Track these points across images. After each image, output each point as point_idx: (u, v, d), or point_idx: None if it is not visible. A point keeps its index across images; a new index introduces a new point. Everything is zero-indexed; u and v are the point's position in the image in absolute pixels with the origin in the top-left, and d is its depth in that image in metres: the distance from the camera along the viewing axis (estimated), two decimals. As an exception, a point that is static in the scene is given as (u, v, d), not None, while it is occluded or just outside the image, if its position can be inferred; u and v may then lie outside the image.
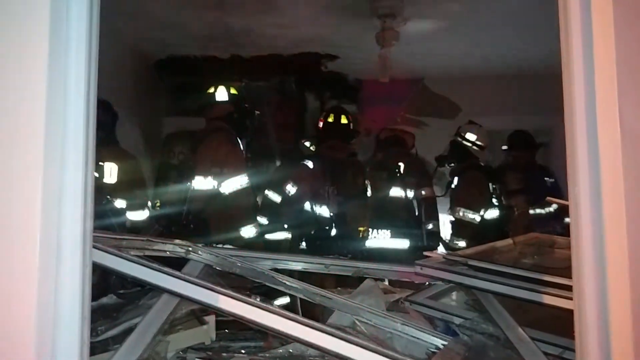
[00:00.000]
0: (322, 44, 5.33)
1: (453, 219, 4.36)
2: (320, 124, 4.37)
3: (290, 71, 5.83)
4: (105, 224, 3.02)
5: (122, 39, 4.94)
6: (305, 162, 4.04)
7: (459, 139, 4.51)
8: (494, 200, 4.37)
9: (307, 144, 5.08)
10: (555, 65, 1.42)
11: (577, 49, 1.30)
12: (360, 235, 4.05)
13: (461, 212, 4.22)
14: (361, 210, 4.15)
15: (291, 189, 3.97)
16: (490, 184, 4.38)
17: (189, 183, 3.55)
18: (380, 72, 4.60)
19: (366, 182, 4.33)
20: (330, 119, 4.31)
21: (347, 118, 4.33)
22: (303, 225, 3.92)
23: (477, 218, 4.22)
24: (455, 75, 6.10)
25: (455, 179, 4.46)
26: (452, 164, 4.59)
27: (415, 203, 4.62)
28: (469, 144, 4.46)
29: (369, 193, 4.38)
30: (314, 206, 3.90)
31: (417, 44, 5.09)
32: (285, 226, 4.03)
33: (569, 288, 1.55)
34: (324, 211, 3.91)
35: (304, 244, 3.95)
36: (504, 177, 4.46)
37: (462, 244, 4.21)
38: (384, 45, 4.41)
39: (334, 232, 3.91)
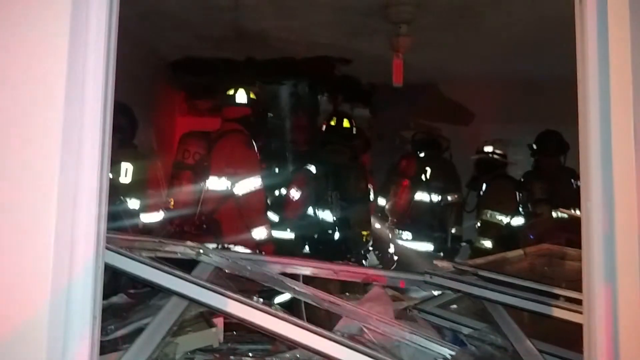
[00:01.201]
0: (336, 48, 5.34)
1: (480, 221, 4.44)
2: (323, 128, 4.39)
3: (303, 75, 5.84)
4: (119, 226, 3.05)
5: (139, 40, 4.98)
6: (307, 167, 4.05)
7: (481, 155, 4.70)
8: (521, 208, 4.46)
9: None
10: (570, 76, 1.41)
11: (593, 63, 1.30)
12: (364, 240, 4.05)
13: (489, 214, 4.33)
14: (364, 214, 4.15)
15: (295, 193, 3.99)
16: (517, 193, 4.49)
17: (202, 183, 3.57)
18: (394, 78, 4.59)
19: (369, 186, 4.35)
20: (332, 123, 4.32)
21: (350, 122, 4.34)
22: (306, 228, 3.93)
23: (504, 220, 4.28)
24: (470, 82, 6.07)
25: (484, 186, 4.58)
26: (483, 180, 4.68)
27: (441, 207, 4.78)
28: (490, 155, 4.62)
29: (371, 197, 4.41)
30: (316, 210, 3.92)
31: (431, 50, 5.07)
32: (289, 229, 4.04)
33: (578, 301, 1.55)
34: (327, 215, 3.92)
35: (307, 248, 3.96)
36: (530, 186, 4.48)
37: (487, 244, 4.30)
38: (398, 51, 4.40)
39: (337, 236, 3.92)
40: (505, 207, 4.39)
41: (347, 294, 2.68)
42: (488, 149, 4.72)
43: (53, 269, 1.18)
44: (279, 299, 2.65)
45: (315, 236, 3.94)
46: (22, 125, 1.20)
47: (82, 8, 1.25)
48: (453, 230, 4.80)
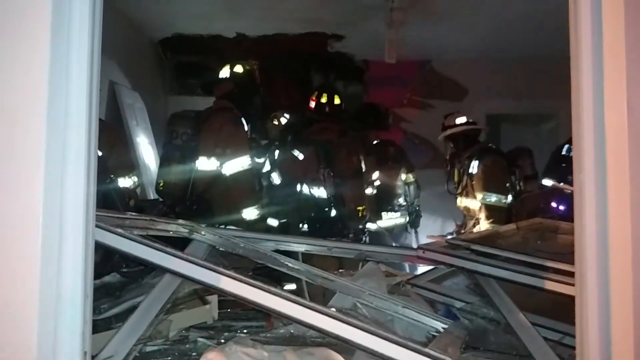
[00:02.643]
0: (328, 24, 5.27)
1: (480, 204, 4.24)
2: (312, 104, 4.29)
3: (296, 51, 5.77)
4: (108, 203, 3.00)
5: (127, 17, 4.90)
6: (293, 153, 4.01)
7: (451, 131, 4.47)
8: (515, 184, 4.35)
9: None
10: (563, 50, 1.40)
11: (586, 35, 1.28)
12: (360, 215, 4.03)
13: (493, 198, 4.13)
14: (358, 189, 4.12)
15: (287, 172, 3.96)
16: (509, 167, 4.35)
17: (192, 164, 3.53)
18: (387, 54, 4.54)
19: (360, 159, 4.28)
20: (323, 100, 4.25)
21: (340, 99, 4.28)
22: (301, 208, 3.91)
23: (506, 201, 4.18)
24: (463, 58, 6.03)
25: (475, 165, 4.31)
26: (461, 155, 4.53)
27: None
28: (464, 127, 4.43)
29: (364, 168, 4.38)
30: (311, 189, 3.89)
31: (426, 26, 5.02)
32: (284, 210, 4.02)
33: (571, 274, 1.56)
34: (321, 193, 3.89)
35: (304, 227, 3.95)
36: (520, 162, 4.39)
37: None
38: (392, 27, 4.35)
39: (332, 213, 3.90)
40: (502, 187, 4.22)
41: (341, 270, 2.69)
42: (461, 120, 4.46)
43: (42, 248, 1.16)
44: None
45: (312, 215, 3.92)
46: (6, 105, 1.18)
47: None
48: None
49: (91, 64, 1.27)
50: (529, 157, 4.48)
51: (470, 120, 4.47)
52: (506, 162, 4.36)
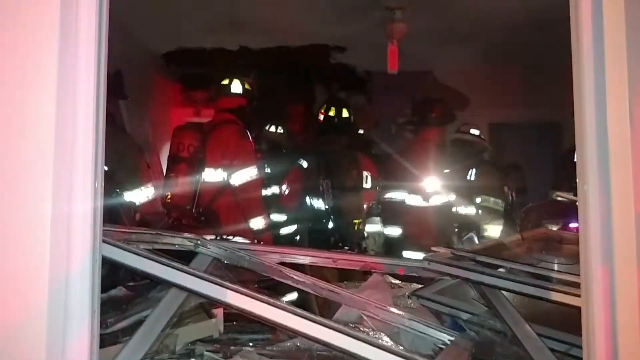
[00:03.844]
0: (330, 36, 5.30)
1: (475, 210, 4.36)
2: (321, 117, 4.32)
3: (298, 63, 5.80)
4: (114, 217, 3.01)
5: (131, 30, 4.94)
6: (299, 162, 4.03)
7: (463, 136, 4.61)
8: (507, 195, 4.51)
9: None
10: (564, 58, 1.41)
11: (588, 45, 1.29)
12: (356, 228, 4.02)
13: (491, 200, 4.28)
14: (356, 202, 4.11)
15: (287, 188, 3.99)
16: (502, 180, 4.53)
17: (199, 175, 3.56)
18: (388, 64, 4.57)
19: (362, 174, 4.28)
20: (331, 113, 4.27)
21: (349, 112, 4.30)
22: (300, 219, 3.93)
23: (502, 205, 4.32)
24: (464, 67, 6.05)
25: (472, 172, 4.45)
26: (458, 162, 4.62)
27: None
28: (475, 139, 4.57)
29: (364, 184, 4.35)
30: (311, 200, 3.91)
31: (426, 36, 5.04)
32: (286, 219, 4.04)
33: (576, 285, 1.56)
34: (319, 204, 3.89)
35: (300, 237, 3.96)
36: (512, 174, 4.55)
37: (493, 232, 4.25)
38: (393, 37, 4.38)
39: (330, 225, 3.91)
40: (499, 193, 4.38)
41: (346, 282, 2.69)
42: (475, 132, 4.63)
43: (50, 264, 1.17)
44: (286, 298, 2.68)
45: (310, 225, 3.94)
46: (15, 120, 1.19)
47: (71, 0, 1.24)
48: None
49: (98, 77, 1.28)
50: (520, 172, 4.81)
51: (482, 137, 4.67)
52: (502, 174, 4.54)
